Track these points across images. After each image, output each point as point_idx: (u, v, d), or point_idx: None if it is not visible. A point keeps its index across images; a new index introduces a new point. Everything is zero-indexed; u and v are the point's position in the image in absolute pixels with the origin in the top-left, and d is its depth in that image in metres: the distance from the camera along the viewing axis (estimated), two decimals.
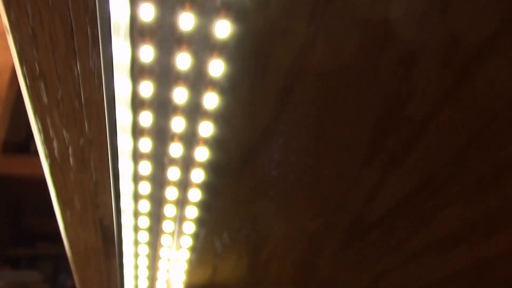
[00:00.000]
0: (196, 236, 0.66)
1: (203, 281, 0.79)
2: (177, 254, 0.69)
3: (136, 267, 0.72)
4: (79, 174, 0.56)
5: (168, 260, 0.71)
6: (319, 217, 0.66)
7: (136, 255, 0.69)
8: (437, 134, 0.52)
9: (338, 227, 0.68)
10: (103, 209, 0.61)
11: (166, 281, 0.76)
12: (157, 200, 0.59)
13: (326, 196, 0.61)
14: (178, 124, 0.47)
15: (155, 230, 0.64)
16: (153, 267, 0.73)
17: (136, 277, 0.75)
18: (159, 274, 0.75)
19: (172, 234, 0.65)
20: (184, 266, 0.72)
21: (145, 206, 0.59)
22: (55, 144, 0.51)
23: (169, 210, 0.60)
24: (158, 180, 0.55)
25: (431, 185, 0.60)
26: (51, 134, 0.50)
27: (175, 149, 0.51)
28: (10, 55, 1.42)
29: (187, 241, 0.67)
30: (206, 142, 0.50)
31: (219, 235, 0.69)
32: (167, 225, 0.63)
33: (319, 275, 0.79)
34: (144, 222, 0.62)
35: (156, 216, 0.62)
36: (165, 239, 0.66)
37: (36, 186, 1.67)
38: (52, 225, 1.86)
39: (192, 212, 0.61)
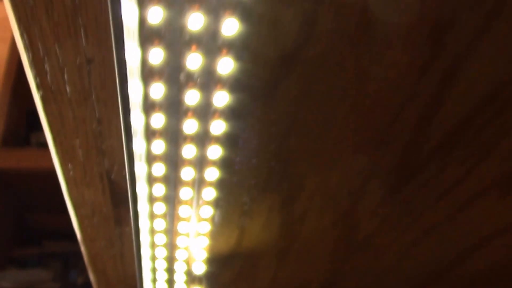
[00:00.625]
0: (220, 188, 0.56)
1: (229, 246, 0.69)
2: (199, 212, 0.59)
3: (152, 232, 0.62)
4: (79, 110, 0.46)
5: (189, 220, 0.61)
6: (362, 155, 0.56)
7: (152, 216, 0.59)
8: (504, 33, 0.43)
9: (384, 166, 0.58)
10: (110, 157, 0.51)
11: (187, 248, 0.66)
12: (173, 139, 0.49)
13: (371, 123, 0.51)
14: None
15: (172, 180, 0.54)
16: (171, 231, 0.63)
17: (153, 245, 0.65)
18: (179, 241, 0.65)
19: (192, 184, 0.55)
20: (207, 227, 0.62)
21: (159, 146, 0.49)
22: (47, 66, 0.41)
23: (188, 151, 0.50)
24: (174, 112, 0.45)
25: (496, 102, 0.50)
26: (40, 51, 0.40)
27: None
28: (5, 48, 1.32)
29: (210, 194, 0.57)
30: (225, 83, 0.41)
31: (246, 187, 0.59)
32: (187, 173, 0.53)
33: (361, 232, 0.69)
34: (159, 169, 0.52)
35: (173, 162, 0.52)
36: (184, 193, 0.56)
37: (40, 181, 1.58)
38: (59, 222, 1.76)
39: (215, 152, 0.51)
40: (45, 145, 1.57)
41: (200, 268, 0.70)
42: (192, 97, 0.44)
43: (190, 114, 0.46)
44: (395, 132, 0.53)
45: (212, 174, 0.54)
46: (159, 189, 0.55)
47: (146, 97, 0.43)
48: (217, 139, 0.50)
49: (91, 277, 0.74)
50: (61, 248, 1.68)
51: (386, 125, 0.52)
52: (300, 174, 0.58)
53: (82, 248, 0.67)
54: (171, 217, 0.60)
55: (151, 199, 0.56)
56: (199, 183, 0.56)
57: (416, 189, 0.61)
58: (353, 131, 0.52)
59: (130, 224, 0.63)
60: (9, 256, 1.60)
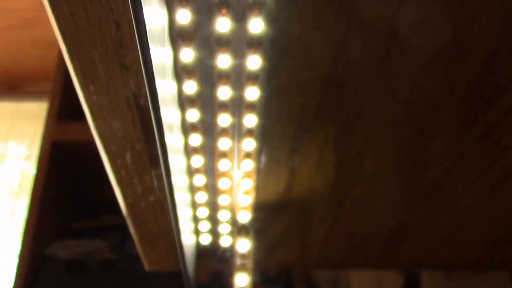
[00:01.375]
0: (265, 115, 0.48)
1: (278, 192, 0.60)
2: (242, 145, 0.51)
3: (190, 171, 0.55)
4: (92, 9, 0.38)
5: (231, 156, 0.53)
6: (432, 74, 0.46)
7: (188, 152, 0.52)
8: None
9: (457, 91, 0.47)
10: (136, 76, 0.44)
11: (230, 192, 0.58)
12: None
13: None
14: None
15: (209, 105, 0.46)
16: (211, 171, 0.55)
17: (192, 189, 0.57)
18: (221, 183, 0.57)
19: (233, 111, 0.47)
20: (252, 166, 0.54)
21: (188, 55, 0.41)
22: None
23: (224, 61, 0.42)
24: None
25: None
26: None
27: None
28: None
29: (253, 122, 0.48)
30: None
31: (295, 115, 0.50)
32: (224, 92, 0.45)
33: (430, 176, 0.59)
34: (190, 88, 0.44)
35: (209, 81, 0.44)
36: (223, 120, 0.48)
37: (96, 154, 1.55)
38: (115, 196, 1.74)
39: (255, 63, 0.42)
40: None
41: (246, 217, 0.62)
42: None
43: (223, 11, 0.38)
44: (473, 43, 0.43)
45: (254, 94, 0.46)
46: (193, 115, 0.47)
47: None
48: (258, 46, 0.41)
49: (132, 231, 0.67)
50: (117, 221, 1.65)
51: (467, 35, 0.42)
52: (358, 99, 0.48)
53: (118, 197, 0.61)
54: (211, 152, 0.52)
55: (185, 129, 0.49)
56: (241, 109, 0.47)
57: (497, 119, 0.51)
58: (422, 54, 0.43)
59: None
60: (67, 229, 1.59)
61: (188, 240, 0.62)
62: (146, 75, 0.36)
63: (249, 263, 0.62)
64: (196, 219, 0.63)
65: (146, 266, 0.76)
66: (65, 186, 1.60)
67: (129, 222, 0.65)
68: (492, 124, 0.51)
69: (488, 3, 0.40)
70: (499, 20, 0.41)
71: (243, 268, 0.62)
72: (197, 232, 0.65)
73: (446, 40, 0.42)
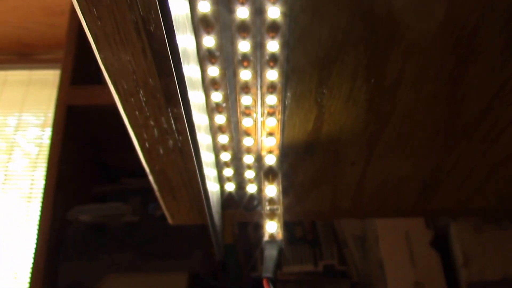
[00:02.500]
0: (289, 40, 0.42)
1: (306, 131, 0.55)
2: (265, 75, 0.46)
3: (210, 107, 0.50)
4: None
5: (253, 89, 0.47)
6: None
7: (207, 82, 0.46)
8: None
9: (501, 10, 0.41)
10: None
11: (252, 132, 0.53)
12: None
13: None
14: None
15: (228, 27, 0.41)
16: (234, 106, 0.50)
17: (214, 129, 0.52)
18: (245, 122, 0.52)
19: (254, 40, 0.41)
20: (275, 100, 0.49)
21: None
22: None
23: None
24: None
25: None
26: None
27: None
28: None
29: (275, 48, 0.43)
30: None
31: (322, 41, 0.44)
32: (241, 12, 0.39)
33: (468, 109, 0.53)
34: (204, 7, 0.39)
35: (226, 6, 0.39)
36: (243, 46, 0.43)
37: (113, 117, 1.51)
38: (136, 159, 1.71)
39: None
40: None
41: (272, 160, 0.57)
42: None
43: None
44: None
45: (275, 14, 0.40)
46: (209, 41, 0.42)
47: None
48: None
49: (151, 180, 0.63)
50: (139, 185, 1.63)
51: None
52: (391, 21, 0.42)
53: (134, 141, 0.56)
54: (232, 86, 0.47)
55: (202, 56, 0.44)
56: (263, 34, 0.42)
57: None
58: None
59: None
60: (89, 193, 1.57)
61: (212, 188, 0.58)
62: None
63: (279, 209, 0.58)
64: (219, 165, 0.58)
65: (169, 220, 0.73)
66: (83, 151, 1.57)
67: (147, 169, 0.60)
68: None
69: None
70: None
71: (272, 215, 0.58)
72: (220, 179, 0.61)
73: None
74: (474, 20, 0.43)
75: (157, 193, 0.66)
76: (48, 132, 1.78)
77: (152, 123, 0.52)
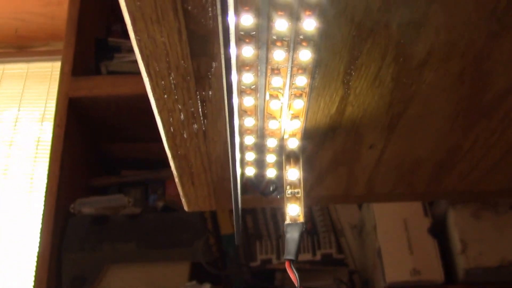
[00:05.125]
0: (322, 19, 0.42)
1: (330, 113, 0.55)
2: (297, 56, 0.46)
3: (241, 91, 0.49)
4: None
5: (284, 74, 0.47)
6: None
7: (240, 65, 0.46)
8: None
9: None
10: None
11: (277, 115, 0.53)
12: None
13: None
14: None
15: (263, 11, 0.41)
16: (262, 87, 0.50)
17: (240, 112, 0.52)
18: (272, 104, 0.52)
19: (289, 15, 0.41)
20: (305, 81, 0.49)
21: None
22: None
23: None
24: None
25: None
26: None
27: None
28: None
29: (311, 25, 0.43)
30: None
31: (356, 17, 0.44)
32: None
33: (491, 89, 0.54)
34: None
35: None
36: (280, 24, 0.42)
37: (113, 108, 1.50)
38: (135, 151, 1.70)
39: None
40: (114, 73, 1.49)
41: (294, 143, 0.57)
42: None
43: None
44: None
45: None
46: (247, 20, 0.42)
47: None
48: None
49: (172, 165, 0.63)
50: (138, 177, 1.62)
51: None
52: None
53: (159, 125, 0.56)
54: (262, 67, 0.47)
55: (238, 39, 0.43)
56: (298, 13, 0.42)
57: None
58: None
59: (214, 86, 0.50)
60: (89, 185, 1.56)
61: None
62: None
63: (300, 192, 0.58)
64: (241, 148, 0.58)
65: (186, 207, 0.72)
66: (84, 143, 1.56)
67: (169, 155, 0.60)
68: None
69: None
70: None
71: (293, 198, 0.58)
72: (241, 163, 0.61)
73: None
74: None
75: (177, 179, 0.65)
76: (46, 125, 1.77)
77: (179, 106, 0.52)
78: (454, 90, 0.53)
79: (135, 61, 0.48)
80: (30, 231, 1.66)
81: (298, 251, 0.58)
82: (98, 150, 1.63)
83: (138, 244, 1.40)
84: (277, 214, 1.41)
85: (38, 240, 1.27)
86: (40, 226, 1.28)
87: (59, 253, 1.31)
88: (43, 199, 1.31)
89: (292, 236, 0.58)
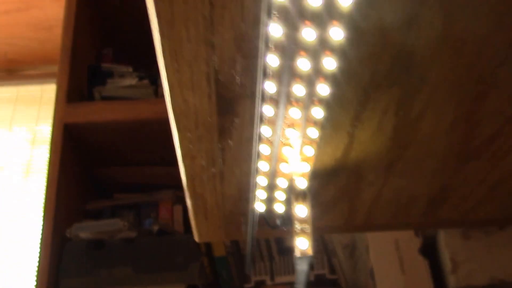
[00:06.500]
0: (333, 83, 0.51)
1: (336, 156, 0.64)
2: (310, 113, 0.55)
3: (258, 139, 0.58)
4: None
5: (298, 125, 0.56)
6: (498, 33, 0.49)
7: (262, 121, 0.55)
8: None
9: None
10: (221, 52, 0.47)
11: (289, 160, 0.62)
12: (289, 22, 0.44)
13: None
14: None
15: (284, 74, 0.49)
16: (277, 137, 0.58)
17: (257, 156, 0.61)
18: (284, 151, 0.60)
19: (306, 79, 0.50)
20: (316, 133, 0.57)
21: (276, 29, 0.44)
22: None
23: (308, 33, 0.45)
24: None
25: None
26: None
27: None
28: (61, 8, 1.27)
29: (323, 90, 0.52)
30: None
31: (362, 82, 0.53)
32: (301, 63, 0.48)
33: (480, 135, 0.63)
34: (274, 60, 0.47)
35: (287, 52, 0.47)
36: (297, 89, 0.51)
37: (107, 134, 1.57)
38: (128, 175, 1.76)
39: (336, 33, 0.45)
40: (107, 98, 1.56)
41: (303, 183, 0.65)
42: None
43: None
44: None
45: (328, 64, 0.49)
46: (271, 87, 0.50)
47: None
48: (339, 19, 0.45)
49: (188, 202, 0.71)
50: (131, 200, 1.68)
51: None
52: (425, 65, 0.52)
53: (181, 169, 0.64)
54: (280, 122, 0.56)
55: (262, 100, 0.52)
56: (311, 78, 0.51)
57: None
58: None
59: (234, 137, 0.59)
60: (83, 210, 1.61)
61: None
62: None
63: (308, 227, 0.66)
64: (254, 188, 0.66)
65: (197, 238, 0.80)
66: (79, 168, 1.62)
67: (187, 194, 0.68)
68: None
69: None
70: None
71: (302, 233, 0.66)
72: (254, 199, 0.69)
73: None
74: (493, 62, 0.53)
75: (192, 215, 0.74)
76: (37, 148, 1.82)
77: (202, 154, 0.61)
78: (447, 136, 0.62)
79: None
80: (22, 257, 1.71)
81: (308, 283, 0.66)
82: (92, 174, 1.69)
83: (135, 269, 1.46)
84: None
85: (36, 266, 1.33)
86: (38, 251, 1.34)
87: (56, 278, 1.37)
88: (40, 224, 1.37)
89: (302, 268, 0.67)
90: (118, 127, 1.53)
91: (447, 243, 1.38)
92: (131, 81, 1.51)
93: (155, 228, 1.56)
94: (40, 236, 1.36)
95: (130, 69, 1.56)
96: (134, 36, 1.63)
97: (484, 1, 0.46)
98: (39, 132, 1.84)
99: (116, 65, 1.63)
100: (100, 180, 1.74)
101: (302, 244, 0.67)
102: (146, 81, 1.52)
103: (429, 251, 1.41)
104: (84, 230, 1.47)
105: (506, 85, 0.55)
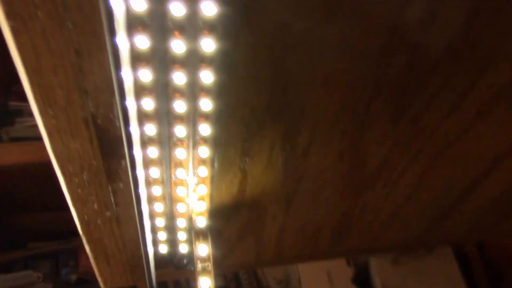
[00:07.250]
0: (216, 122, 0.55)
1: (232, 194, 0.68)
2: (197, 153, 0.58)
3: (148, 182, 0.61)
4: (53, 39, 0.44)
5: (186, 164, 0.60)
6: (363, 71, 0.55)
7: (146, 163, 0.58)
8: None
9: (386, 84, 0.57)
10: (94, 97, 0.50)
11: (186, 200, 0.65)
12: (161, 66, 0.48)
13: (371, 38, 0.50)
14: None
15: (164, 117, 0.53)
16: (168, 181, 0.62)
17: (150, 199, 0.64)
18: (178, 191, 0.64)
19: (187, 120, 0.54)
20: (206, 172, 0.61)
21: (146, 75, 0.48)
22: None
23: (179, 78, 0.49)
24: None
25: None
26: None
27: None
28: None
29: (206, 130, 0.56)
30: None
31: (244, 119, 0.58)
32: (180, 106, 0.52)
33: (369, 164, 0.68)
34: (149, 104, 0.51)
35: (164, 94, 0.51)
36: (179, 131, 0.55)
37: (17, 177, 1.55)
38: (42, 221, 1.74)
39: (207, 77, 0.50)
40: (17, 139, 1.54)
41: (202, 222, 0.69)
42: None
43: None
44: (395, 45, 0.53)
45: (204, 105, 0.53)
46: (151, 129, 0.54)
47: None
48: (209, 63, 0.49)
49: (87, 248, 0.72)
50: (47, 249, 1.66)
51: (387, 38, 0.51)
52: (300, 100, 0.57)
53: (74, 215, 0.66)
54: (167, 162, 0.59)
55: (143, 142, 0.55)
56: (191, 119, 0.55)
57: (422, 107, 0.61)
58: (350, 47, 0.52)
59: (123, 179, 0.62)
60: None
61: (149, 251, 0.69)
62: (119, 95, 0.43)
63: (210, 266, 0.69)
64: (154, 230, 0.69)
65: (102, 285, 0.81)
66: None
67: (84, 240, 0.70)
68: (419, 112, 0.62)
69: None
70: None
71: (204, 271, 0.69)
72: (154, 243, 0.72)
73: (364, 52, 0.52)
74: (366, 97, 0.58)
75: (93, 261, 0.75)
76: None
77: (92, 198, 0.63)
78: (337, 168, 0.67)
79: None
80: None
81: None
82: (3, 223, 1.66)
83: None
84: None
85: None
86: None
87: None
88: None
89: None
90: (29, 170, 1.52)
91: (378, 270, 1.44)
92: None
93: (73, 277, 1.55)
94: None
95: None
96: None
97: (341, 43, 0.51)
98: None
99: (25, 103, 1.62)
100: (11, 229, 1.71)
101: (204, 283, 0.70)
102: None
103: (362, 279, 1.47)
104: None
105: (381, 116, 0.60)
